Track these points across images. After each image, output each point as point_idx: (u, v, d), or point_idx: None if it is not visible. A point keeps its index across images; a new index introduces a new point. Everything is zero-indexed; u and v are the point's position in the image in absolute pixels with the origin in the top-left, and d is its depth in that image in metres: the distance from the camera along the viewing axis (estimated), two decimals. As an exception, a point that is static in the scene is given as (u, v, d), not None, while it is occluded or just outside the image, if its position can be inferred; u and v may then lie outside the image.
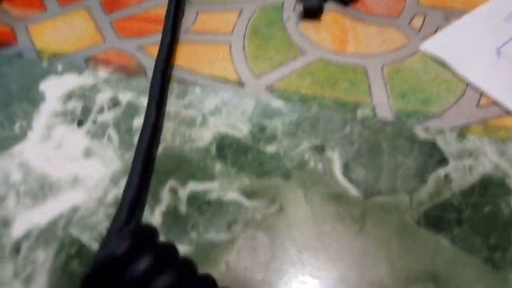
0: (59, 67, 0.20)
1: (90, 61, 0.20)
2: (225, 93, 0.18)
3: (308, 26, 0.21)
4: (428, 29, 0.21)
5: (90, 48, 0.21)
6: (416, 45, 0.20)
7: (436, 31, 0.21)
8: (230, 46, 0.20)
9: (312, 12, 0.21)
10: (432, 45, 0.20)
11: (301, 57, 0.20)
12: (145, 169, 0.15)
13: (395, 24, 0.21)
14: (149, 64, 0.20)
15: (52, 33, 0.21)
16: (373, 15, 0.21)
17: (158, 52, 0.19)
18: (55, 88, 0.19)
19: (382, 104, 0.18)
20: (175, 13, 0.20)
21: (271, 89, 0.19)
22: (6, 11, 0.23)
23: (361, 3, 0.22)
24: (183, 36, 0.21)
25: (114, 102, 0.18)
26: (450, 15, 0.21)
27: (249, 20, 0.22)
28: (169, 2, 0.21)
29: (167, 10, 0.21)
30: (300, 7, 0.21)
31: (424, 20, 0.21)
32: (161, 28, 0.21)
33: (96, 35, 0.21)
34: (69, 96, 0.19)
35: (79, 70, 0.20)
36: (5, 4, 0.23)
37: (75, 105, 0.18)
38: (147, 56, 0.20)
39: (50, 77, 0.19)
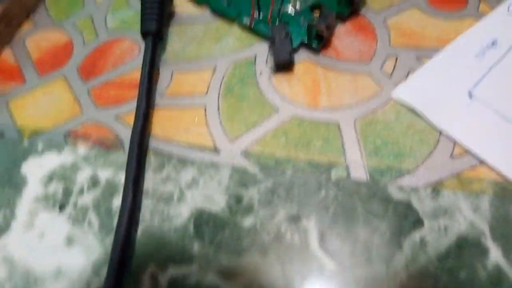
0: (40, 146, 0.20)
1: (69, 137, 0.20)
2: (201, 162, 0.19)
3: (281, 80, 0.21)
4: (400, 73, 0.21)
5: (69, 122, 0.21)
6: (388, 92, 0.20)
7: (408, 74, 0.21)
8: (205, 109, 0.21)
9: (284, 65, 0.21)
10: (403, 92, 0.20)
11: (275, 115, 0.20)
12: (123, 257, 0.15)
13: (367, 70, 0.21)
14: (126, 135, 0.20)
15: (32, 107, 0.22)
16: (345, 61, 0.21)
17: (133, 126, 0.19)
18: (36, 170, 0.19)
19: (356, 163, 0.18)
20: (149, 79, 0.21)
21: (246, 154, 0.19)
22: (-14, 85, 0.23)
23: (333, 49, 0.22)
24: (158, 101, 0.21)
25: (94, 181, 0.19)
26: (422, 55, 0.21)
27: (223, 78, 0.22)
28: (142, 67, 0.21)
29: (141, 76, 0.21)
30: (272, 60, 0.21)
31: (395, 63, 0.21)
32: (136, 93, 0.21)
33: (74, 107, 0.22)
34: (50, 178, 0.19)
35: (59, 148, 0.20)
36: (-16, 78, 0.23)
37: (56, 187, 0.19)
38: (124, 126, 0.20)
39: (31, 158, 0.20)
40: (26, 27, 0.26)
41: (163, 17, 0.23)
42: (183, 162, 0.19)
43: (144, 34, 0.22)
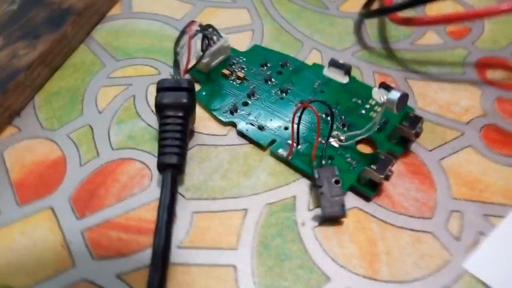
0: (11, 317, 0.15)
1: (54, 304, 0.15)
2: None
3: (329, 235, 0.17)
4: (469, 236, 0.17)
5: (54, 280, 0.16)
6: (460, 261, 0.17)
7: (478, 238, 0.17)
8: (236, 271, 0.16)
9: (333, 218, 0.18)
10: (477, 266, 0.17)
11: (325, 286, 0.16)
12: None
13: (430, 229, 0.18)
14: (133, 308, 0.15)
15: (4, 254, 0.17)
16: (402, 213, 0.18)
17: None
18: None
19: None
20: (167, 232, 0.16)
21: None
22: None
23: (386, 197, 0.19)
24: (174, 256, 0.17)
25: None
26: (490, 212, 0.18)
27: (256, 226, 0.18)
28: (158, 213, 0.17)
29: (156, 226, 0.16)
30: (316, 210, 0.18)
31: (462, 222, 0.18)
32: (144, 241, 0.17)
33: (63, 256, 0.17)
34: None
35: (39, 322, 0.15)
36: None
37: None
38: (130, 292, 0.16)
39: (-2, 338, 0.15)
40: (7, 132, 0.21)
41: (186, 145, 0.19)
42: None
43: (162, 166, 0.18)
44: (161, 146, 0.18)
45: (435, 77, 0.24)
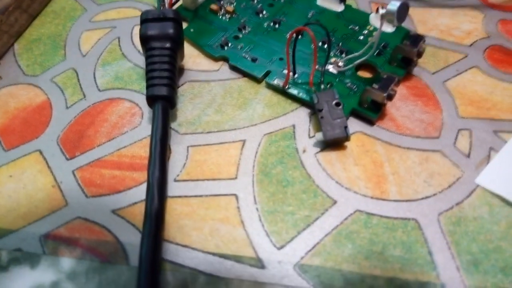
0: (4, 256, 0.14)
1: (48, 242, 0.14)
2: (239, 281, 0.13)
3: (332, 160, 0.17)
4: (479, 152, 0.17)
5: (47, 219, 0.15)
6: (471, 177, 0.16)
7: (489, 154, 0.17)
8: (237, 199, 0.16)
9: (336, 142, 0.17)
10: (490, 180, 0.16)
11: (332, 209, 0.15)
12: None
13: (438, 147, 0.17)
14: (130, 240, 0.14)
15: (-8, 194, 0.16)
16: (408, 135, 0.17)
17: (143, 231, 0.14)
18: (-3, 298, 0.13)
19: (453, 280, 0.13)
20: (162, 161, 0.15)
21: (302, 268, 0.14)
22: None
23: (390, 119, 0.18)
24: (171, 189, 0.16)
25: (86, 318, 0.13)
26: (500, 128, 0.17)
27: (255, 155, 0.17)
28: (151, 144, 0.16)
29: (150, 158, 0.15)
30: (319, 135, 0.17)
31: (471, 140, 0.17)
32: (139, 176, 0.16)
33: (54, 196, 0.16)
34: (18, 312, 0.13)
35: (33, 260, 0.14)
36: None
37: (29, 329, 0.13)
38: (126, 226, 0.15)
39: (-10, 278, 0.14)
40: (-12, 81, 0.20)
41: (175, 77, 0.18)
42: (214, 282, 0.13)
43: (152, 99, 0.17)
44: (149, 79, 0.17)
45: (434, 3, 0.22)
